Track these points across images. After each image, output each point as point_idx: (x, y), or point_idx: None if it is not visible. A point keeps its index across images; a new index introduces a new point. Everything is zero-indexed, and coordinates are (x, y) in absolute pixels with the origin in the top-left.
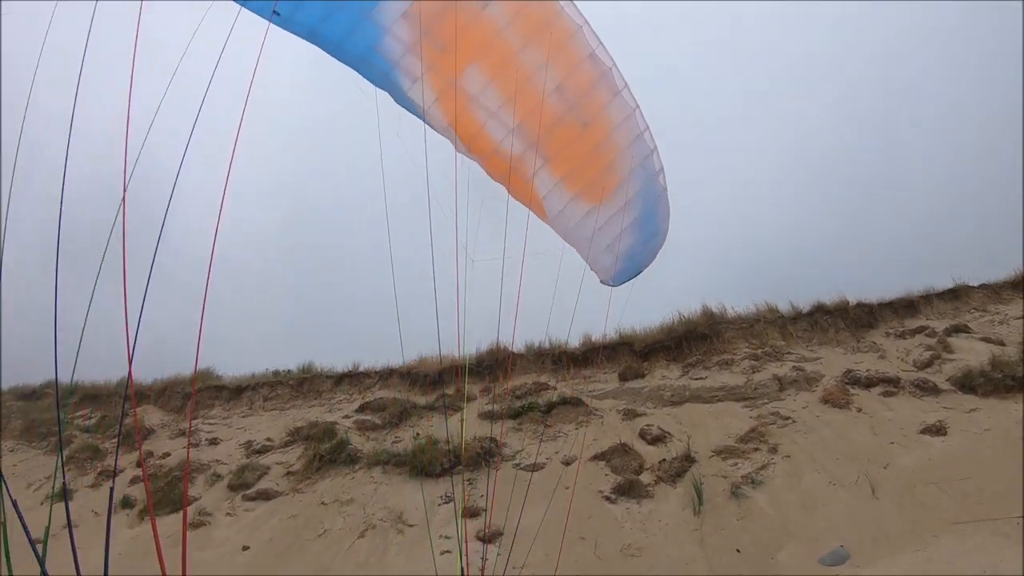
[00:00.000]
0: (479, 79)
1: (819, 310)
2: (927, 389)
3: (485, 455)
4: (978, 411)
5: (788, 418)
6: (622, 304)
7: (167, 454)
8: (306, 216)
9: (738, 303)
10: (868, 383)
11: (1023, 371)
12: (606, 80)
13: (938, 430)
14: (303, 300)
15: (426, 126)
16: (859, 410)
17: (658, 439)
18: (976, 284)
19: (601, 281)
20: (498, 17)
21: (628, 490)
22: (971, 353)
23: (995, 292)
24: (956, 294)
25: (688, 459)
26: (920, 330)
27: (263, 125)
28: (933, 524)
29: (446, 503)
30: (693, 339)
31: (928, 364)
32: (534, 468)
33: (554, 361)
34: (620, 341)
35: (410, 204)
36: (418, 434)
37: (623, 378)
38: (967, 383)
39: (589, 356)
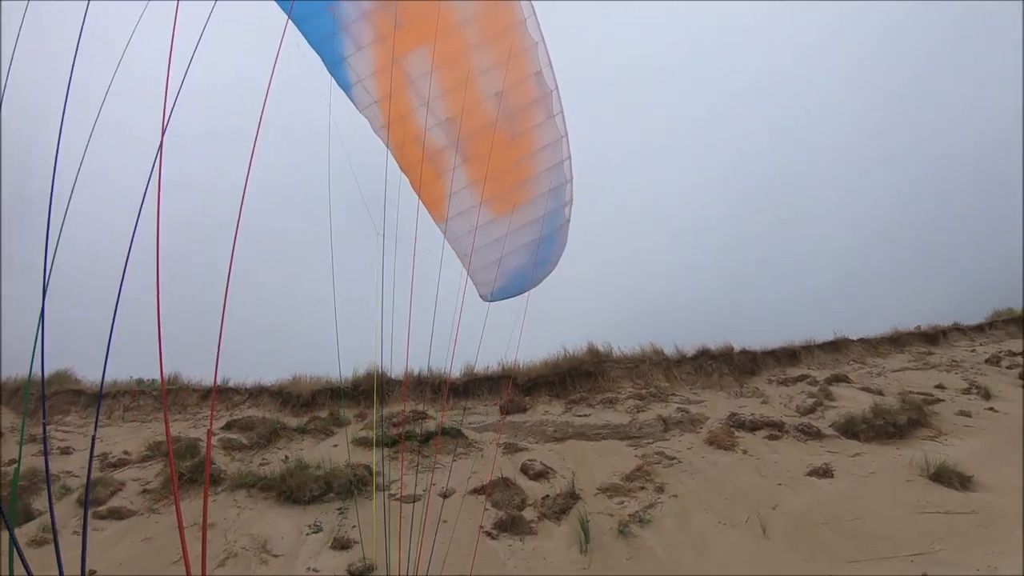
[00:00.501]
0: (424, 64)
1: (704, 355)
2: (811, 434)
3: (358, 483)
4: (862, 455)
5: (674, 458)
6: (508, 334)
7: (14, 461)
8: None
9: (625, 345)
10: (753, 426)
11: (906, 419)
12: (545, 101)
13: (825, 472)
14: (177, 308)
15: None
16: (745, 452)
17: (541, 475)
18: (855, 338)
19: (480, 295)
20: (463, 9)
21: (511, 526)
22: (852, 401)
23: (873, 346)
24: (836, 346)
25: (573, 496)
26: (802, 378)
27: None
28: (828, 563)
29: (315, 532)
30: (578, 376)
31: (811, 410)
32: (411, 500)
33: (434, 390)
34: (503, 374)
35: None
36: (287, 457)
37: (505, 411)
38: (850, 429)
39: (470, 387)
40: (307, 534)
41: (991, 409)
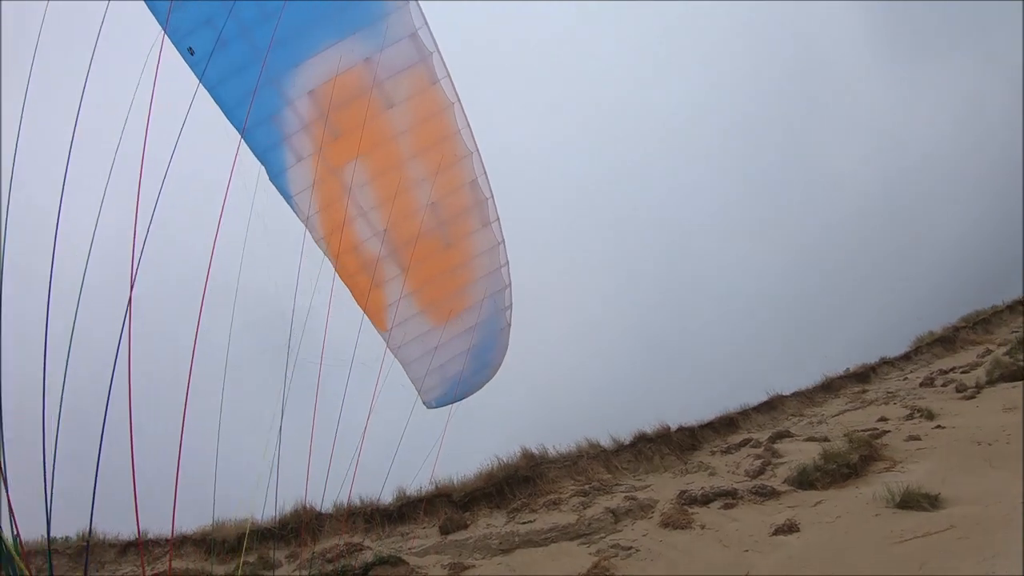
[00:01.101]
0: (362, 174)
1: (642, 439)
2: (766, 494)
3: None
4: (823, 503)
5: (630, 548)
6: (434, 453)
7: None
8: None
9: (559, 443)
10: (705, 500)
11: (858, 457)
12: (480, 209)
13: (790, 528)
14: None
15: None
16: (703, 527)
17: None
18: (789, 393)
19: (423, 402)
20: (399, 120)
21: None
22: (800, 454)
23: (808, 397)
24: (772, 405)
25: None
26: (745, 443)
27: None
28: None
29: None
30: (516, 483)
31: (761, 471)
32: None
33: (366, 519)
34: (437, 493)
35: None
36: None
37: (444, 531)
38: (804, 480)
39: (405, 511)
40: None
41: (938, 427)
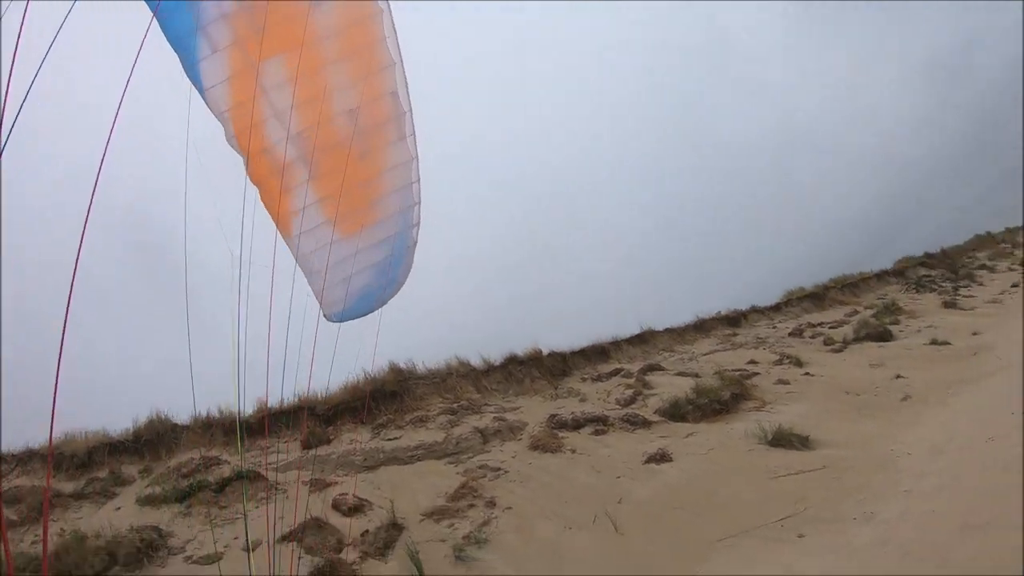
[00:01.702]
0: (280, 74)
1: (512, 361)
2: (637, 423)
3: (147, 549)
4: (695, 435)
5: (499, 469)
6: (303, 364)
7: None
8: None
9: (429, 361)
10: (576, 425)
11: (729, 394)
12: (398, 122)
13: (663, 457)
14: None
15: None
16: (573, 451)
17: (356, 509)
18: (661, 329)
19: (325, 315)
20: (326, 23)
21: (330, 573)
22: (671, 387)
23: (679, 335)
24: (644, 338)
25: (395, 527)
26: (616, 372)
27: None
28: (694, 547)
29: None
30: (382, 398)
31: (632, 401)
32: (212, 559)
33: (225, 432)
34: (300, 405)
35: None
36: (63, 529)
37: (307, 445)
38: (676, 412)
39: (266, 424)
40: None
41: (807, 374)
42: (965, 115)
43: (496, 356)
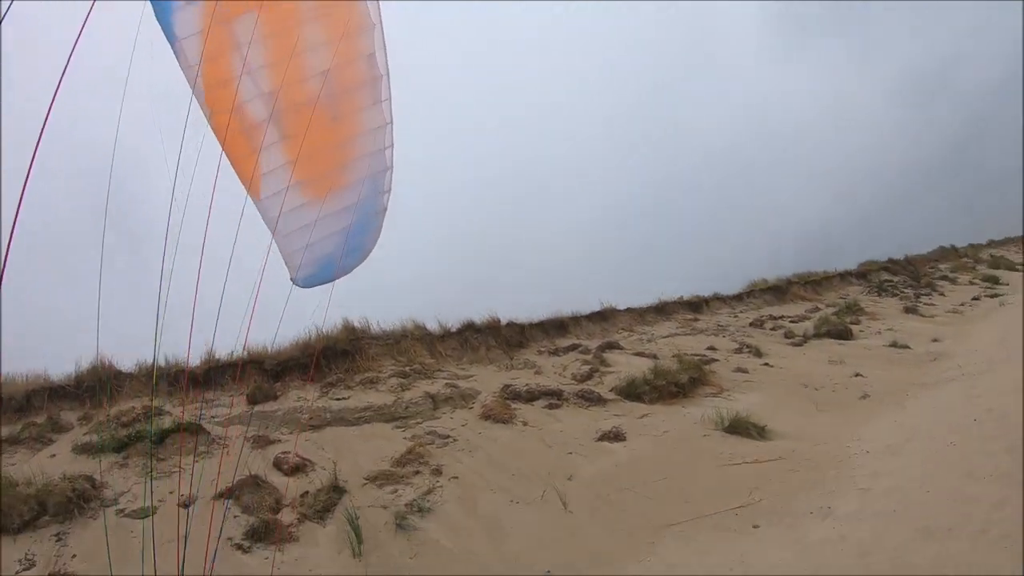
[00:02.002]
0: (253, 31)
1: (469, 328)
2: (592, 399)
3: (79, 499)
4: (650, 416)
5: (448, 436)
6: (258, 317)
7: None
8: None
9: (384, 321)
10: (530, 397)
11: (687, 378)
12: (374, 86)
13: (616, 436)
14: None
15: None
16: (525, 424)
17: (298, 469)
18: (622, 308)
19: (291, 279)
20: None
21: (265, 534)
22: (628, 366)
23: (640, 315)
24: (604, 316)
25: (337, 490)
26: (573, 347)
27: None
28: (645, 530)
29: (27, 568)
30: (333, 356)
31: (588, 377)
32: (144, 514)
33: (171, 382)
34: (249, 359)
35: None
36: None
37: (252, 400)
38: (632, 392)
39: (212, 376)
40: (16, 572)
41: (766, 365)
42: (940, 132)
43: (453, 322)
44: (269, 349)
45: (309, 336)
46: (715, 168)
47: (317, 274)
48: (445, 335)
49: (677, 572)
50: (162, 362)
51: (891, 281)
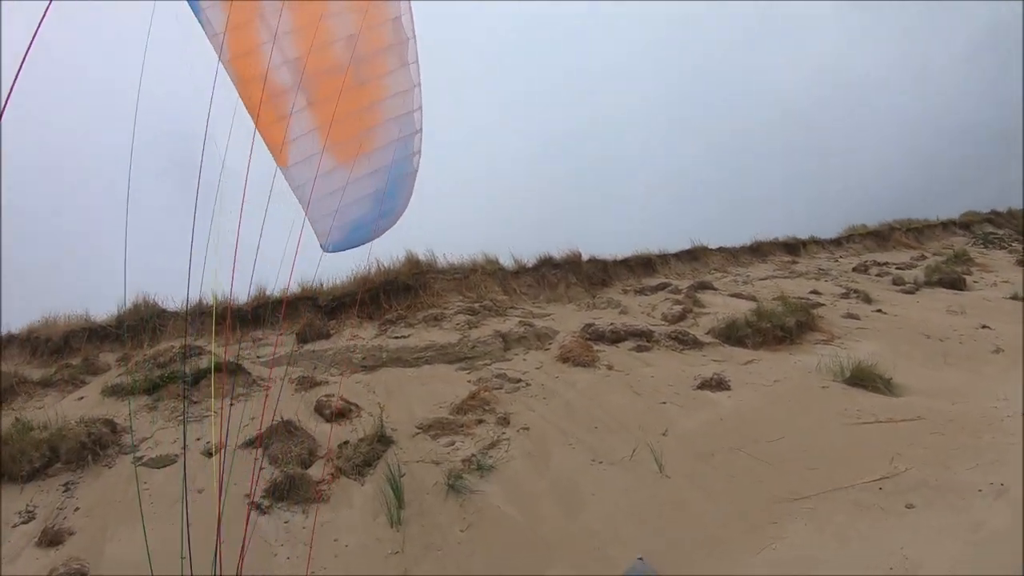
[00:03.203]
0: None
1: (547, 264)
2: (687, 342)
3: (94, 445)
4: (755, 363)
5: (519, 380)
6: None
7: None
8: None
9: (452, 256)
10: (615, 338)
11: (795, 322)
12: (400, 49)
13: (719, 384)
14: None
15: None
16: (610, 367)
17: (341, 414)
18: (714, 247)
19: (320, 245)
20: None
21: (289, 491)
22: (725, 307)
23: (733, 256)
24: (694, 255)
25: (383, 440)
26: (662, 287)
27: None
28: (763, 505)
29: (25, 523)
30: (394, 292)
31: (681, 318)
32: (163, 463)
33: (218, 321)
34: (302, 295)
35: None
36: (17, 419)
37: (303, 339)
38: (732, 335)
39: (262, 314)
40: (14, 525)
41: (879, 311)
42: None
43: (529, 258)
44: (324, 284)
45: (368, 270)
46: (799, 119)
47: (348, 239)
48: (520, 271)
49: (820, 573)
50: (209, 299)
51: (996, 234)
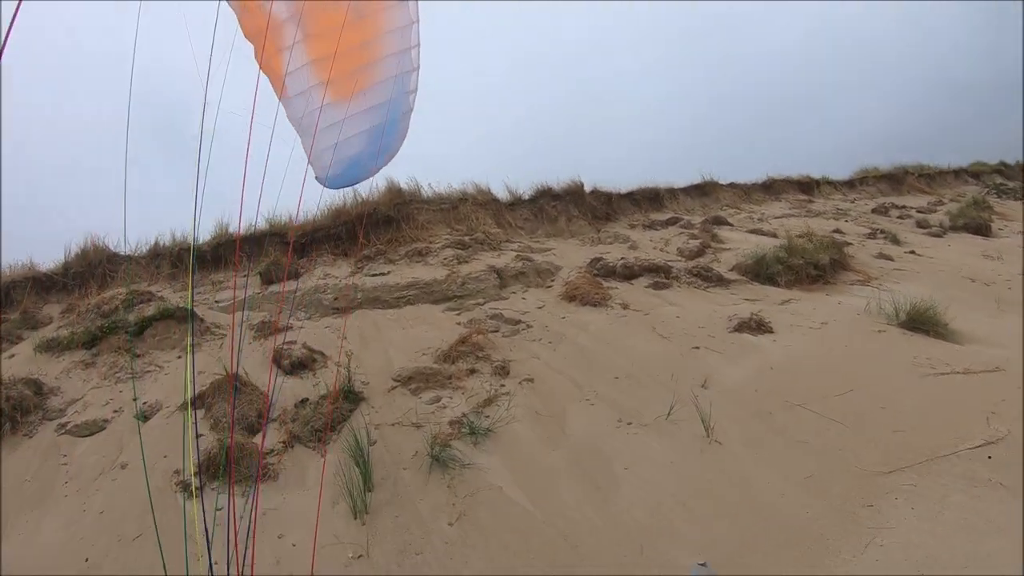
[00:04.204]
0: None
1: (545, 195)
2: (712, 279)
3: (15, 411)
4: (794, 302)
5: (519, 322)
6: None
7: None
8: None
9: (439, 185)
10: (627, 274)
11: (828, 259)
12: None
13: (759, 327)
14: None
15: None
16: (625, 307)
17: (302, 365)
18: (725, 183)
19: (316, 178)
20: None
21: (225, 467)
22: (745, 243)
23: (745, 192)
24: (704, 190)
25: (351, 396)
26: (673, 221)
27: None
28: (850, 481)
29: None
30: (373, 225)
31: (700, 253)
32: (89, 431)
33: (174, 264)
34: (270, 231)
35: None
36: None
37: (267, 280)
38: (762, 272)
39: (223, 254)
40: None
41: (912, 252)
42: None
43: (526, 189)
44: (294, 219)
45: (344, 202)
46: (804, 66)
47: (344, 175)
48: (515, 203)
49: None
50: (167, 241)
51: (1006, 185)
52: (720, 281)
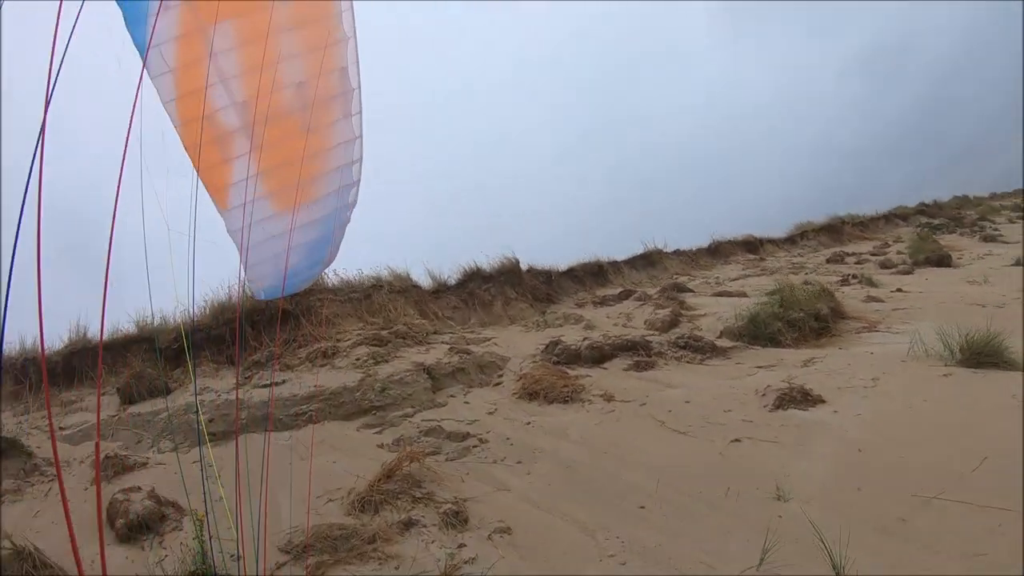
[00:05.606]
0: (229, 39)
1: (475, 278)
2: (702, 349)
3: None
4: (818, 361)
5: (467, 436)
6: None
7: None
8: None
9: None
10: (597, 356)
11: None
12: (345, 99)
13: (807, 397)
14: None
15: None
16: (609, 398)
17: (145, 525)
18: (670, 250)
19: (252, 290)
20: None
21: None
22: (719, 307)
23: (691, 258)
24: (650, 260)
25: None
26: (626, 294)
27: None
28: None
29: None
30: (265, 324)
31: (674, 323)
32: None
33: (17, 380)
34: (137, 336)
35: None
36: None
37: (126, 399)
38: (759, 332)
39: (76, 365)
40: None
41: (898, 291)
42: (900, 105)
43: (450, 274)
44: (170, 319)
45: (229, 295)
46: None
47: (277, 287)
48: (440, 289)
49: None
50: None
51: (933, 222)
52: (715, 350)
